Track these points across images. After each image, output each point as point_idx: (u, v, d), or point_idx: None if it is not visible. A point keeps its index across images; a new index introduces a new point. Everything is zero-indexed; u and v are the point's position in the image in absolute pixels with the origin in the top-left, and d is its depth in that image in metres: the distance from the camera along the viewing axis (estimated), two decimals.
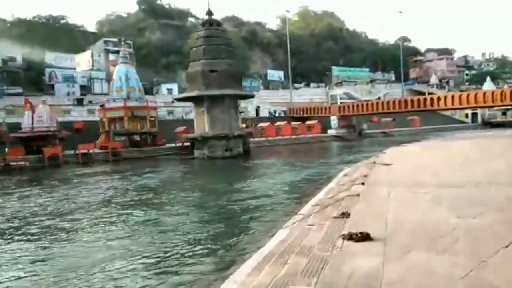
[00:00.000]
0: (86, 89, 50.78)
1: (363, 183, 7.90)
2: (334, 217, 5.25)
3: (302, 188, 12.62)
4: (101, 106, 34.98)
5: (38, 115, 29.15)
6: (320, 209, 6.87)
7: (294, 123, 45.52)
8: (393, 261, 3.08)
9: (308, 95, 66.31)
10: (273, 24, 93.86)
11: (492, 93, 37.88)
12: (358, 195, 6.64)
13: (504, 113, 60.28)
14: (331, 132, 46.98)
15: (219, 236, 7.70)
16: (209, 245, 7.14)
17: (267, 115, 54.17)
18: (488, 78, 70.00)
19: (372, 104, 46.66)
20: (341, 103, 55.14)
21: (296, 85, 70.13)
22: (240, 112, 34.12)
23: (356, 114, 47.25)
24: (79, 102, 45.58)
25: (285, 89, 64.67)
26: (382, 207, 5.07)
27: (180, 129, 34.46)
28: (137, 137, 33.35)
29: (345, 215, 5.19)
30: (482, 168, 8.52)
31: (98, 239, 7.93)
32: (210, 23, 27.52)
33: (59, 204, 12.34)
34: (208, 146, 26.31)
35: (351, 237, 3.74)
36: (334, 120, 47.82)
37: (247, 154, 28.08)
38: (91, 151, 29.12)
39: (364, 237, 3.70)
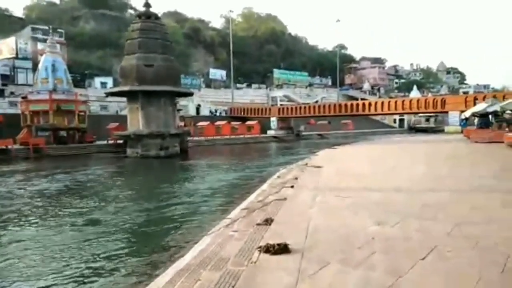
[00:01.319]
0: (8, 79, 46.15)
1: (292, 186, 7.80)
2: (258, 224, 5.00)
3: (236, 190, 12.34)
4: (23, 98, 31.85)
5: None
6: (247, 214, 6.61)
7: (234, 123, 45.35)
8: (307, 278, 2.85)
9: (249, 96, 66.66)
10: (217, 23, 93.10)
11: (418, 101, 40.80)
12: (285, 199, 6.49)
13: (427, 120, 65.51)
14: (270, 133, 47.56)
15: (138, 245, 7.11)
16: (126, 256, 6.53)
17: (208, 114, 53.41)
18: (415, 87, 75.84)
19: (309, 107, 48.06)
20: (281, 105, 56.11)
21: (238, 85, 70.14)
22: (178, 110, 33.10)
23: (294, 116, 48.37)
24: (0, 93, 41.28)
25: (227, 88, 64.33)
26: (305, 214, 4.91)
27: (113, 125, 32.56)
28: (63, 133, 30.81)
29: (268, 221, 4.96)
30: (406, 172, 8.86)
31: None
32: (147, 15, 26.24)
33: None
34: (142, 144, 25.04)
35: (267, 249, 3.47)
36: (273, 122, 48.47)
37: (184, 154, 27.24)
38: (9, 147, 26.37)
39: (282, 249, 3.46)
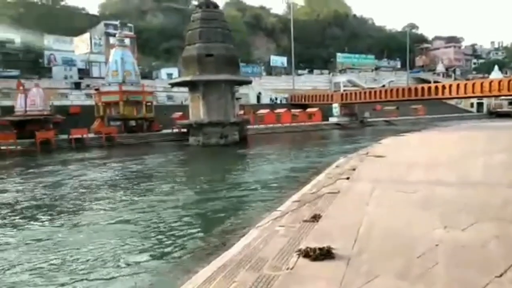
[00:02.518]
0: (84, 72, 49.99)
1: (348, 178, 7.19)
2: (304, 221, 4.56)
3: (291, 180, 11.93)
4: (96, 90, 34.20)
5: (31, 98, 28.50)
6: (297, 207, 6.20)
7: (294, 111, 44.61)
8: None
9: (311, 82, 65.14)
10: (278, 9, 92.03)
11: (499, 82, 36.58)
12: (338, 192, 5.95)
13: (511, 103, 58.85)
14: (332, 120, 46.02)
15: (189, 234, 7.06)
16: (177, 244, 6.51)
17: (268, 102, 53.20)
18: (496, 67, 68.21)
19: (375, 92, 45.47)
20: (344, 90, 53.97)
21: (299, 71, 68.82)
22: (238, 99, 33.23)
23: (358, 102, 46.15)
24: (77, 85, 44.86)
25: (288, 75, 63.44)
26: (359, 210, 4.35)
27: (177, 114, 33.71)
28: (132, 123, 32.63)
29: (316, 218, 4.50)
30: (482, 164, 7.74)
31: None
32: (207, 4, 26.40)
33: (28, 193, 11.74)
34: (203, 133, 25.53)
35: (307, 253, 3.03)
36: (336, 108, 46.77)
37: (244, 142, 27.32)
38: (84, 136, 28.51)
39: (324, 254, 3.00)
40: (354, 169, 8.37)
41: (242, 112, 33.59)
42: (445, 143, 13.02)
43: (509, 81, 35.95)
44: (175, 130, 32.54)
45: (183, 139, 29.13)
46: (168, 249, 6.35)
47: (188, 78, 25.57)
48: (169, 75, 53.85)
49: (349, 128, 42.36)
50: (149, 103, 34.18)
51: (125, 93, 31.93)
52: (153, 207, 9.23)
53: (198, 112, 26.03)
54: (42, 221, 8.39)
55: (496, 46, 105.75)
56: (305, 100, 50.49)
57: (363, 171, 7.70)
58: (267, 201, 9.17)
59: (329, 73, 70.61)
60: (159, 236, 7.05)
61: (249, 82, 32.38)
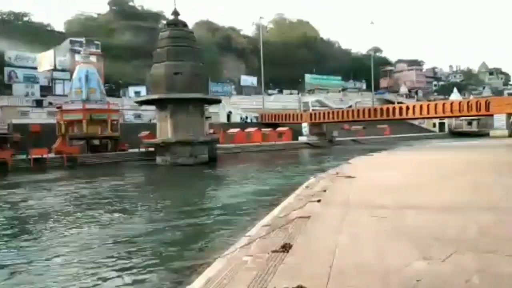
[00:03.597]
0: (47, 90, 48.13)
1: (319, 200, 6.92)
2: (273, 251, 4.19)
3: (262, 201, 11.55)
4: (58, 108, 32.78)
5: None
6: (266, 233, 5.81)
7: (265, 130, 44.70)
8: None
9: (281, 102, 65.86)
10: (248, 30, 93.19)
11: (460, 103, 38.37)
12: (309, 217, 5.64)
13: (469, 123, 61.85)
14: (302, 139, 46.43)
15: (144, 266, 6.43)
16: (131, 276, 5.90)
17: (238, 120, 53.12)
18: (455, 89, 71.92)
19: (343, 111, 46.52)
20: (313, 110, 54.84)
21: (270, 91, 69.56)
22: (207, 117, 32.83)
23: (327, 121, 46.98)
24: (38, 103, 42.99)
25: (258, 95, 63.88)
26: (331, 239, 4.03)
27: (144, 133, 32.80)
28: (96, 142, 31.40)
29: (286, 248, 4.14)
30: (452, 185, 7.71)
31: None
32: (176, 23, 26.21)
33: None
34: (170, 152, 24.83)
35: None
36: (305, 127, 47.31)
37: (214, 161, 26.81)
38: (44, 156, 27.02)
39: None
40: (325, 190, 8.13)
41: (212, 131, 33.15)
42: (413, 164, 13.13)
43: (467, 103, 37.76)
44: (142, 150, 31.57)
45: (150, 158, 28.24)
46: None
47: (155, 96, 25.01)
48: (137, 93, 52.86)
49: (318, 147, 42.79)
50: (115, 122, 33.10)
51: (88, 111, 30.76)
52: (96, 239, 8.25)
53: (166, 131, 25.39)
54: None
55: (455, 69, 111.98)
56: (275, 119, 50.80)
57: (334, 193, 7.47)
58: (235, 225, 8.73)
59: (298, 93, 71.78)
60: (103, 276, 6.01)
61: (219, 101, 32.15)
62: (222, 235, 7.88)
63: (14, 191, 16.01)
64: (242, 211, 10.36)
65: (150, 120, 44.32)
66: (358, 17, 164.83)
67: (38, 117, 39.65)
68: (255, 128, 44.18)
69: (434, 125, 67.72)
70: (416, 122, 64.94)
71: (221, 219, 9.63)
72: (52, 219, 10.44)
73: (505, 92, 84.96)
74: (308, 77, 78.61)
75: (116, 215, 10.71)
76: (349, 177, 9.57)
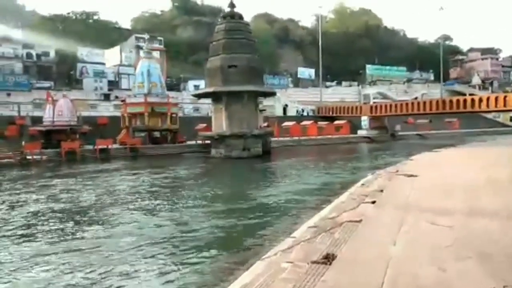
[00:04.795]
0: (114, 84, 51.08)
1: (373, 202, 6.23)
2: (314, 262, 3.68)
3: (312, 198, 10.97)
4: (122, 101, 34.52)
5: (59, 109, 29.03)
6: (311, 236, 5.30)
7: (321, 123, 43.48)
8: None
9: (339, 94, 63.76)
10: (307, 21, 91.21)
11: None
12: (360, 221, 5.02)
13: None
14: (361, 133, 44.48)
15: (183, 265, 6.23)
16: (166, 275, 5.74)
17: (295, 114, 52.31)
18: None
19: (407, 104, 43.70)
20: (374, 103, 52.29)
21: (328, 83, 67.62)
22: (262, 110, 32.55)
23: (389, 114, 44.44)
24: (106, 97, 45.78)
25: (316, 87, 62.40)
26: (383, 253, 3.43)
27: (201, 126, 33.44)
28: (157, 134, 32.61)
29: (328, 259, 3.61)
30: None
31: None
32: (232, 16, 26.13)
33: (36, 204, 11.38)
34: (225, 145, 24.97)
35: None
36: (364, 121, 45.23)
37: (267, 155, 26.52)
38: (109, 146, 28.63)
39: None
40: (381, 190, 7.38)
41: (266, 124, 32.84)
42: (484, 162, 11.68)
43: None
44: (199, 142, 32.23)
45: (206, 151, 28.70)
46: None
47: (210, 90, 25.22)
48: (196, 87, 54.10)
49: (378, 141, 40.70)
50: (174, 115, 34.12)
51: (150, 105, 31.99)
52: (151, 226, 8.51)
53: (220, 123, 25.55)
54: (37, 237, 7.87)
55: None
56: (332, 113, 49.24)
57: (392, 194, 6.71)
58: (282, 223, 8.29)
59: (358, 85, 68.96)
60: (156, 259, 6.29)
61: (274, 94, 31.70)
62: (268, 233, 7.48)
63: (73, 179, 17.02)
64: (292, 208, 9.88)
65: (208, 114, 45.19)
66: (426, 3, 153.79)
67: (105, 110, 42.20)
68: (311, 121, 43.15)
69: (511, 119, 61.32)
70: (490, 116, 59.24)
71: (270, 215, 9.24)
72: (109, 207, 10.88)
73: None
74: (369, 68, 75.13)
75: (160, 206, 10.88)
76: (411, 175, 8.65)
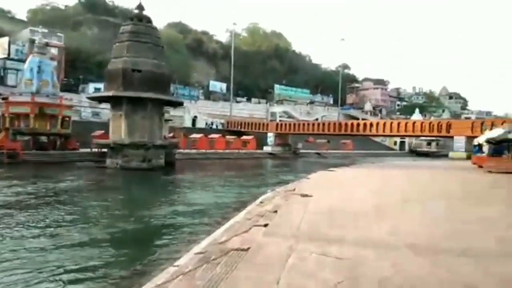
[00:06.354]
0: None
1: (266, 225, 5.82)
2: None
3: (206, 218, 10.23)
4: (3, 99, 29.96)
5: None
6: (192, 268, 4.61)
7: (229, 137, 43.50)
8: None
9: (248, 110, 65.02)
10: (222, 37, 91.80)
11: (422, 124, 39.05)
12: (248, 249, 4.51)
13: (429, 144, 63.55)
14: (266, 149, 45.64)
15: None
16: None
17: (204, 126, 51.60)
18: (417, 110, 74.19)
19: (309, 124, 46.29)
20: (280, 120, 54.34)
21: (238, 98, 68.51)
22: (168, 120, 31.18)
23: (293, 132, 46.54)
24: None
25: (227, 101, 62.68)
26: None
27: (98, 133, 30.62)
28: (43, 138, 28.87)
29: None
30: (419, 212, 6.85)
31: None
32: (139, 18, 24.60)
33: None
34: (122, 154, 23.01)
35: None
36: (270, 137, 46.61)
37: (170, 167, 25.21)
38: None
39: None
40: (275, 211, 7.06)
41: (171, 134, 31.45)
42: (376, 184, 12.36)
43: (430, 123, 38.46)
44: (95, 150, 29.37)
45: (101, 160, 26.16)
46: None
47: (109, 93, 23.19)
48: (97, 90, 49.79)
49: (282, 158, 42.10)
50: (67, 118, 30.68)
51: (37, 105, 28.25)
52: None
53: (119, 131, 23.58)
54: None
55: (417, 91, 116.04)
56: (241, 127, 49.78)
57: (285, 216, 6.40)
58: (170, 247, 7.42)
59: (266, 103, 71.28)
60: None
61: (181, 104, 30.58)
62: (145, 264, 6.48)
63: None
64: (183, 231, 8.94)
65: (108, 119, 41.98)
66: (330, 33, 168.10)
67: None
68: (219, 135, 42.89)
69: (395, 143, 69.24)
70: (378, 139, 66.07)
71: (152, 240, 8.17)
72: None
73: (462, 116, 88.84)
74: (277, 87, 78.45)
75: (63, 220, 9.09)
76: (306, 195, 8.56)
